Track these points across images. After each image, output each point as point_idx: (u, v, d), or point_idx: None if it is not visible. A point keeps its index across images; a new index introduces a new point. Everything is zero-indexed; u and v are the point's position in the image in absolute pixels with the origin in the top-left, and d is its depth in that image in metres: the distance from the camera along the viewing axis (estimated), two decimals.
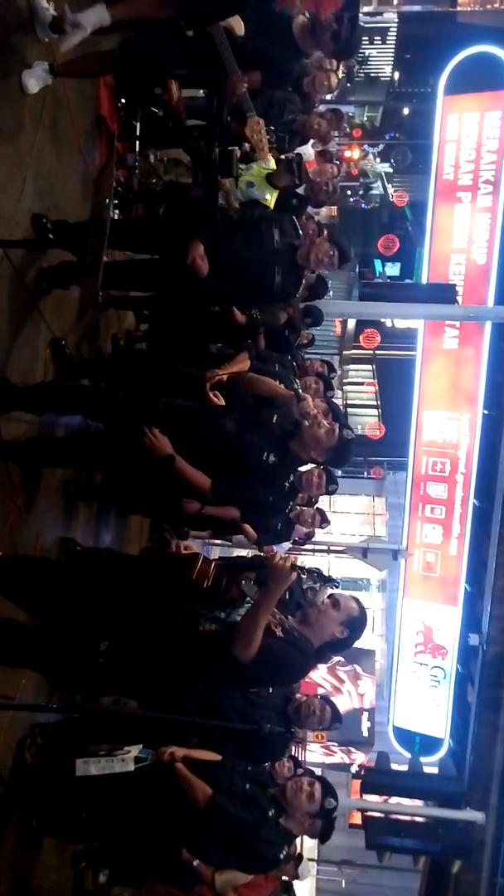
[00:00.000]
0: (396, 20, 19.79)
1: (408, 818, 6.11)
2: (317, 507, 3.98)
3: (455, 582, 9.74)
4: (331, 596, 2.41)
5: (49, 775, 2.84)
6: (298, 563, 2.19)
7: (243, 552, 5.88)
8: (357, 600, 2.47)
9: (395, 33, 19.86)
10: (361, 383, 17.68)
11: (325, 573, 2.73)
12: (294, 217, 3.35)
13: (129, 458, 2.77)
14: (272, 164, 3.59)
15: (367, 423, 15.74)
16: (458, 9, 19.22)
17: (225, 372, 3.07)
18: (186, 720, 2.50)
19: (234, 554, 7.02)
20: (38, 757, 2.90)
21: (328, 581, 2.38)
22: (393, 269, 18.94)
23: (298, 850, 2.75)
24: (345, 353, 17.75)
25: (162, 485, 2.93)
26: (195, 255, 2.83)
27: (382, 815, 6.05)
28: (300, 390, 3.65)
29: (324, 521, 3.93)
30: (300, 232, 3.26)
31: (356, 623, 2.43)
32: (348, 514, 16.92)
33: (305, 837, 2.73)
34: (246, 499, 2.86)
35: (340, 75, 4.12)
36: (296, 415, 2.74)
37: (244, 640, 2.18)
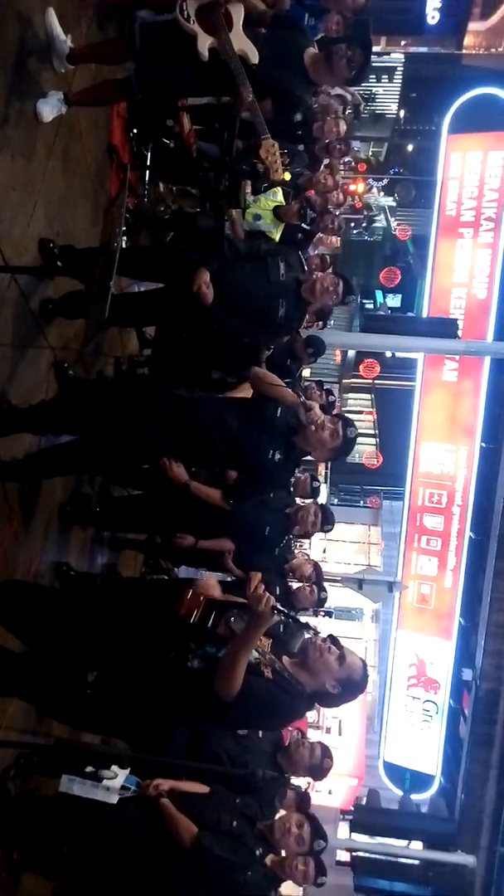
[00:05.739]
0: (403, 60, 20.30)
1: (398, 860, 5.97)
2: (315, 562, 4.01)
3: (449, 615, 9.67)
4: (341, 648, 2.32)
5: (32, 807, 2.77)
6: (279, 607, 2.12)
7: None
8: (364, 665, 2.38)
9: (401, 73, 20.36)
10: (360, 412, 17.76)
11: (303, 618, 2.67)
12: (300, 253, 3.38)
13: (133, 463, 2.76)
14: (280, 198, 3.65)
15: (364, 452, 15.76)
16: (464, 51, 19.74)
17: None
18: (176, 763, 2.43)
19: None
20: (21, 787, 2.84)
21: (304, 627, 2.30)
22: (394, 301, 19.18)
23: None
24: (344, 381, 17.87)
25: (160, 503, 2.92)
26: (201, 283, 2.85)
27: (371, 856, 5.91)
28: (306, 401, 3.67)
29: (319, 577, 3.90)
30: (305, 267, 3.29)
31: (352, 686, 2.34)
32: (343, 542, 16.85)
33: None
34: (258, 499, 2.86)
35: (345, 126, 4.23)
36: (303, 421, 2.72)
37: (224, 677, 2.13)
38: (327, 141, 4.01)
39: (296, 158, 3.73)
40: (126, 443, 2.75)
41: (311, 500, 3.44)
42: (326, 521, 3.43)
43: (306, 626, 2.26)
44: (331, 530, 3.55)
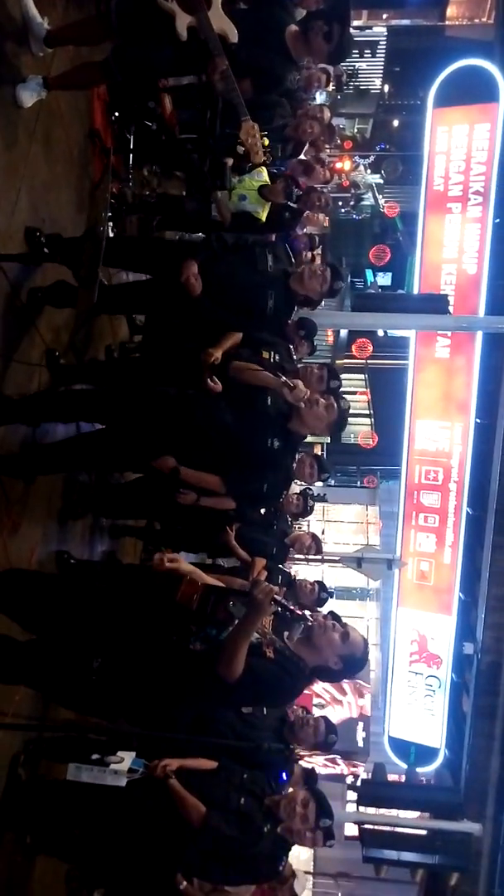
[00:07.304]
0: (386, 34, 20.08)
1: (405, 830, 6.07)
2: (312, 534, 4.06)
3: (449, 591, 9.73)
4: (344, 625, 2.40)
5: (43, 791, 2.80)
6: (279, 598, 2.18)
7: None
8: (365, 643, 2.47)
9: (384, 47, 20.15)
10: (354, 392, 17.74)
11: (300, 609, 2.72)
12: (287, 246, 3.36)
13: (128, 456, 2.78)
14: (265, 177, 3.62)
15: (359, 432, 15.77)
16: (447, 23, 19.50)
17: (220, 350, 3.05)
18: (183, 738, 2.46)
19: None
20: (32, 773, 2.87)
21: (302, 619, 2.36)
22: (384, 279, 19.10)
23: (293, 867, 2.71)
24: (337, 362, 17.81)
25: (157, 491, 2.93)
26: (189, 275, 2.84)
27: (379, 828, 6.00)
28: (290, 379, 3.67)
29: (318, 549, 3.99)
30: (293, 259, 3.27)
31: (353, 662, 2.42)
32: (342, 522, 16.92)
33: (301, 849, 2.71)
34: (256, 487, 2.90)
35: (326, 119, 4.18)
36: (291, 401, 2.74)
37: (226, 661, 2.18)
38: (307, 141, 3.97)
39: (279, 109, 3.65)
40: (125, 447, 2.76)
41: (304, 453, 3.48)
42: (322, 469, 3.48)
43: (304, 619, 2.30)
44: (328, 478, 3.60)
